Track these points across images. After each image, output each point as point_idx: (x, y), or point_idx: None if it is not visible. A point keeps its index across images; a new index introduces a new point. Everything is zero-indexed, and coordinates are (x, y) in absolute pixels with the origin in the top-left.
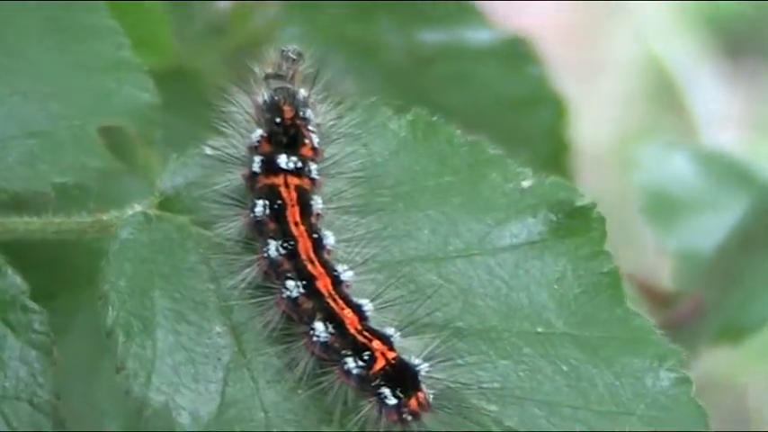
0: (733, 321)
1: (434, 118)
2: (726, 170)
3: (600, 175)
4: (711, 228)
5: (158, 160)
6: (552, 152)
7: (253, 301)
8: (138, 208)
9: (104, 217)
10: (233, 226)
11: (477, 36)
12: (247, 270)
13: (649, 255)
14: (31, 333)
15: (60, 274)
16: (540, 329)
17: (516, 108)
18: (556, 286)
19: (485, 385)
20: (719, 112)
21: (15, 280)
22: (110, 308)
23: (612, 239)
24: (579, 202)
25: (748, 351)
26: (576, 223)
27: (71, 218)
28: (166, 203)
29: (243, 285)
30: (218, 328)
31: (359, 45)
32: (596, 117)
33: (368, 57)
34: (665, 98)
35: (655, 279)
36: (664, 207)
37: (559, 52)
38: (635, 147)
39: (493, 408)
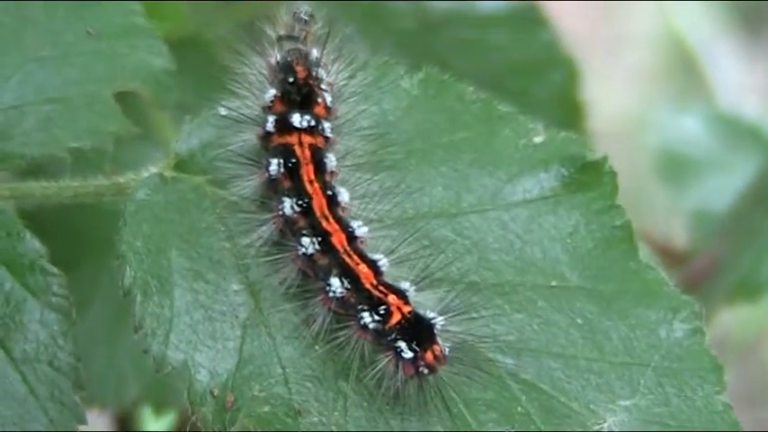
0: (748, 278)
1: (445, 77)
2: (737, 131)
3: (621, 148)
4: (724, 187)
5: (172, 125)
6: (565, 115)
7: (269, 258)
8: (153, 170)
9: (121, 179)
10: (248, 185)
11: (487, 1)
12: (263, 228)
13: (665, 217)
14: (50, 296)
15: (83, 243)
16: (554, 283)
17: (528, 72)
18: (569, 240)
19: (500, 338)
20: (740, 84)
21: (34, 244)
22: (127, 268)
23: (632, 207)
24: (590, 157)
25: (765, 307)
26: (588, 178)
27: (87, 181)
28: (182, 164)
29: (259, 243)
30: (234, 286)
31: (369, 11)
32: (618, 91)
33: (378, 23)
34: (685, 72)
35: (670, 239)
36: (677, 168)
37: (580, 27)
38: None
39: (508, 360)
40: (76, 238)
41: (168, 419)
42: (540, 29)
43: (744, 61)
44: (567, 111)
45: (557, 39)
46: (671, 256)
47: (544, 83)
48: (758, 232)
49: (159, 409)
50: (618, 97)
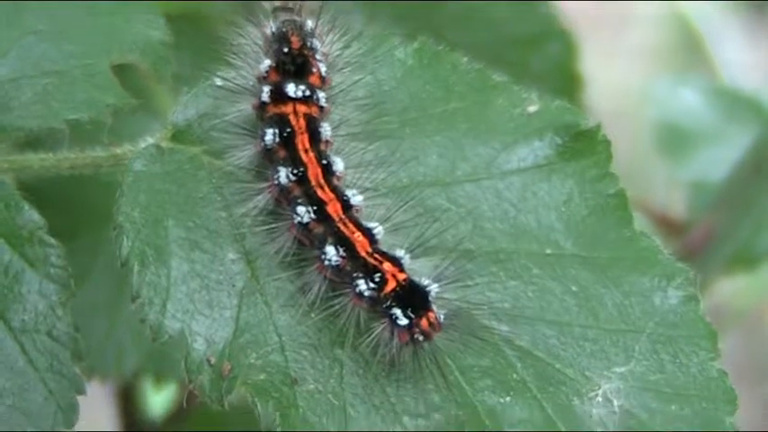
0: (746, 248)
1: (440, 47)
2: (735, 103)
3: (624, 125)
4: (722, 158)
5: (170, 97)
6: (562, 86)
7: (265, 227)
8: (150, 140)
9: (118, 151)
10: (244, 155)
11: None
12: (259, 197)
13: (665, 192)
14: (48, 267)
15: (81, 214)
16: (548, 251)
17: (526, 45)
18: (563, 208)
19: (495, 306)
20: (743, 62)
21: (32, 215)
22: (124, 238)
23: (633, 182)
24: (584, 125)
25: (762, 279)
26: (582, 146)
27: (85, 153)
28: (178, 135)
29: (255, 213)
30: (231, 255)
31: None
32: (622, 69)
33: None
34: (690, 50)
35: (669, 210)
36: (675, 139)
37: (586, 6)
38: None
39: (504, 327)
40: (75, 210)
41: (168, 390)
42: (538, 2)
43: (748, 39)
44: (564, 82)
45: (554, 11)
46: (670, 227)
47: (542, 55)
48: (755, 202)
49: (159, 380)
50: (622, 75)
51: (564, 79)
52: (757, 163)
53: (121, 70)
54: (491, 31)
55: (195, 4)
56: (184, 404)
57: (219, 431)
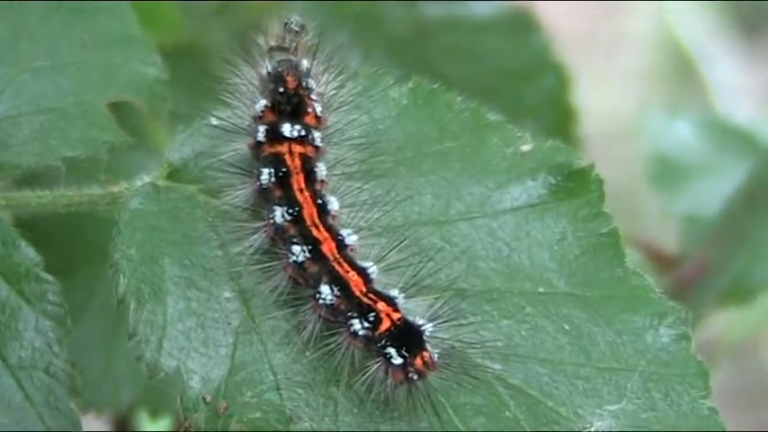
0: (739, 282)
1: (435, 86)
2: (728, 135)
3: (617, 149)
4: (715, 191)
5: (166, 135)
6: (557, 120)
7: (260, 266)
8: (147, 179)
9: (114, 189)
10: (240, 194)
11: (480, 8)
12: (254, 236)
13: (658, 219)
14: (45, 304)
15: (77, 251)
16: (541, 290)
17: (520, 78)
18: (556, 247)
19: (488, 344)
20: (736, 86)
21: (29, 253)
22: (121, 276)
23: (627, 208)
24: (577, 165)
25: (755, 312)
26: (575, 185)
27: (82, 190)
28: (175, 174)
29: (250, 251)
30: (227, 294)
31: (363, 18)
32: (615, 92)
33: (371, 29)
34: (682, 73)
35: (661, 244)
36: (668, 172)
37: (578, 27)
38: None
39: (497, 366)
40: (71, 246)
41: (164, 423)
42: (533, 34)
43: (740, 63)
44: (558, 116)
45: (549, 44)
46: (662, 260)
47: (536, 88)
48: (748, 236)
49: (155, 413)
50: (614, 98)
51: (558, 113)
52: (751, 196)
53: (117, 107)
54: (484, 63)
55: (192, 36)
56: None
57: None
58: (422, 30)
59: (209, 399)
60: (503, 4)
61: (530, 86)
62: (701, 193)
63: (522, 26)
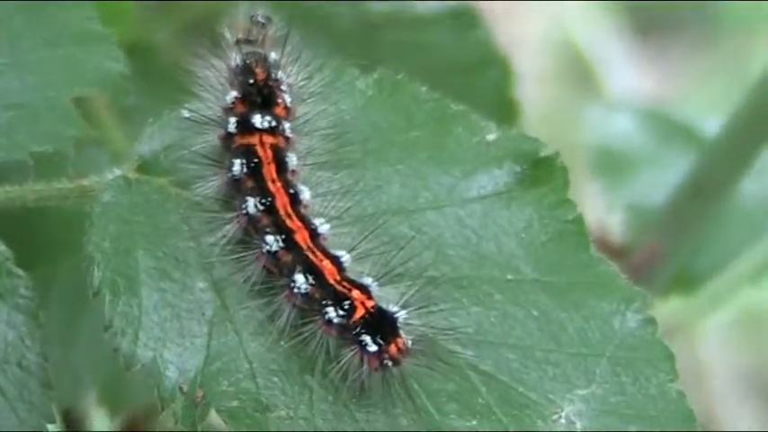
0: (685, 271)
1: (399, 77)
2: (666, 126)
3: None
4: (659, 181)
5: (122, 129)
6: (502, 113)
7: (233, 256)
8: (117, 172)
9: (85, 182)
10: (211, 185)
11: (424, 3)
12: (227, 227)
13: (598, 212)
14: (17, 298)
15: (36, 246)
16: (509, 276)
17: (465, 71)
18: (523, 235)
19: (459, 331)
20: (632, 89)
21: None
22: (95, 268)
23: None
24: (543, 153)
25: (700, 300)
26: (541, 173)
27: (51, 185)
28: (145, 166)
29: (223, 242)
30: (200, 284)
31: (308, 13)
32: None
33: (319, 25)
34: (577, 77)
35: (607, 233)
36: (611, 164)
37: None
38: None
39: (468, 352)
40: (30, 241)
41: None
42: (476, 28)
43: (636, 64)
44: (503, 108)
45: (491, 38)
46: (610, 251)
47: (482, 81)
48: (695, 225)
49: (114, 409)
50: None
51: (502, 106)
52: (697, 186)
53: (77, 102)
54: (430, 58)
55: (142, 32)
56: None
57: None
58: (368, 25)
59: (185, 388)
60: (445, 4)
61: (475, 80)
62: (645, 184)
63: (466, 20)
